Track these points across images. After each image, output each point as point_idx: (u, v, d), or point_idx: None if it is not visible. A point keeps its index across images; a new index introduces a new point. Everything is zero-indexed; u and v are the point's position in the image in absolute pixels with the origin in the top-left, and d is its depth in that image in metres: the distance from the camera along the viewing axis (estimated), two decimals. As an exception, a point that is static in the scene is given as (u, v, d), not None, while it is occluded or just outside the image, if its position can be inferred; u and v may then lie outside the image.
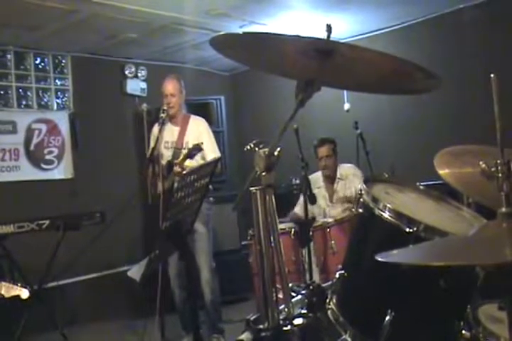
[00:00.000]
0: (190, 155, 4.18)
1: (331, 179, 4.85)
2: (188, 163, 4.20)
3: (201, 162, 4.26)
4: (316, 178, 4.88)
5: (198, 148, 4.16)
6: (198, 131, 4.59)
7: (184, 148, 4.44)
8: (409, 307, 1.97)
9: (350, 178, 4.75)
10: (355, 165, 4.99)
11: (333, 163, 4.82)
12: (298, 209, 4.77)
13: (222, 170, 5.88)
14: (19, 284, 3.01)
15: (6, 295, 2.97)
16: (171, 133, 4.58)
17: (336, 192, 4.79)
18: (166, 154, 4.54)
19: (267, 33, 1.91)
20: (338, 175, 4.81)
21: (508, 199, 1.42)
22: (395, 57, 1.71)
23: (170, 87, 4.55)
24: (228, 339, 4.47)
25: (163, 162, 4.49)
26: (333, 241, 4.16)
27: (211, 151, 4.45)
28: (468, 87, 5.16)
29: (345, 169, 4.84)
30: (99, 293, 5.68)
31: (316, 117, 5.98)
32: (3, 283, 2.99)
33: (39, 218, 3.95)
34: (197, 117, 4.72)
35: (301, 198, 4.37)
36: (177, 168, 4.21)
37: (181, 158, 4.25)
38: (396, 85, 2.01)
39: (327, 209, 4.79)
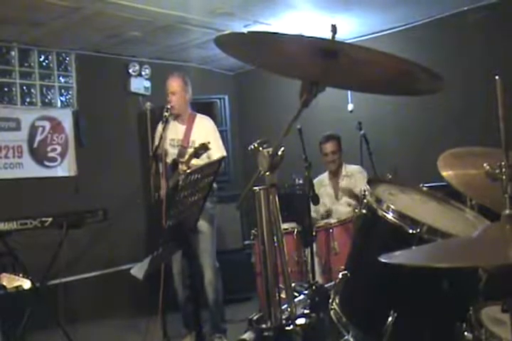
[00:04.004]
0: (197, 154, 4.14)
1: (336, 176, 4.90)
2: (194, 161, 4.19)
3: (207, 161, 4.25)
4: (323, 178, 4.97)
5: (204, 148, 4.11)
6: (205, 129, 4.56)
7: (190, 147, 4.42)
8: (411, 308, 1.97)
9: (356, 176, 4.80)
10: (360, 166, 5.01)
11: (338, 158, 4.88)
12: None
13: (225, 170, 5.88)
14: (20, 275, 3.02)
15: (8, 286, 2.98)
16: (176, 131, 4.56)
17: (342, 189, 4.81)
18: (172, 152, 4.52)
19: (271, 33, 1.89)
20: (344, 173, 4.88)
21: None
22: (399, 58, 1.70)
23: (172, 84, 4.54)
24: (231, 339, 4.47)
25: (168, 160, 4.48)
26: (336, 242, 4.17)
27: (217, 150, 4.41)
28: (472, 89, 5.15)
29: (352, 168, 4.92)
30: (101, 291, 5.69)
31: (319, 117, 5.98)
32: (5, 275, 3.00)
33: (42, 215, 3.94)
34: (203, 116, 4.69)
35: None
36: (183, 167, 4.20)
37: (187, 156, 4.23)
38: (400, 86, 2.00)
39: (333, 208, 4.80)
